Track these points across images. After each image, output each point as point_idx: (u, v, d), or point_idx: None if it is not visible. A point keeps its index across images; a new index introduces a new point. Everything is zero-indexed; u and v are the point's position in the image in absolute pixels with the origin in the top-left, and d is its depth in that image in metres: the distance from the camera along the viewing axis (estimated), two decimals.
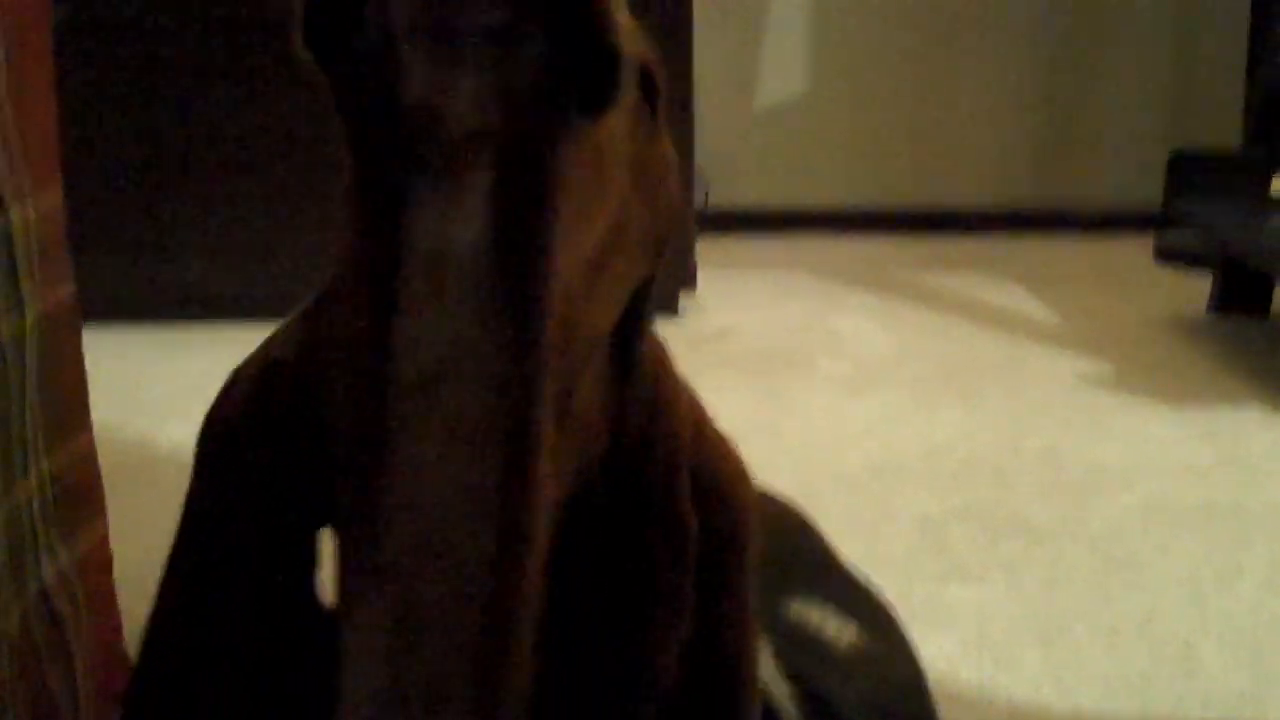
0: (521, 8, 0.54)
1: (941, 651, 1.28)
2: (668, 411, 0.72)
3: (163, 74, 2.30)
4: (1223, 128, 3.07)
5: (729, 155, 3.11)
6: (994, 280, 2.75)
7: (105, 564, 1.11)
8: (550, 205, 0.59)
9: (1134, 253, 2.95)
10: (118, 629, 1.15)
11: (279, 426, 0.72)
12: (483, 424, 0.61)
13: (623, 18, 0.60)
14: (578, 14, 0.55)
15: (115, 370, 2.14)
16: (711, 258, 2.85)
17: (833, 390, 2.12)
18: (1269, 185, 2.54)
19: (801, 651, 0.92)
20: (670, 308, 2.43)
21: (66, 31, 2.22)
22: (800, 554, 1.02)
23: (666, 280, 0.74)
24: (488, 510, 0.61)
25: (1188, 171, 2.85)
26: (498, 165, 0.58)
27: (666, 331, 0.72)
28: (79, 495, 1.08)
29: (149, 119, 2.32)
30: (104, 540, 1.12)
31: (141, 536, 1.52)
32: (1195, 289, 2.59)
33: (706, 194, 3.03)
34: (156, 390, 2.10)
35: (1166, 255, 2.87)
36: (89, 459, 1.10)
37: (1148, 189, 3.11)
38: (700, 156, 3.05)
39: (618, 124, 0.63)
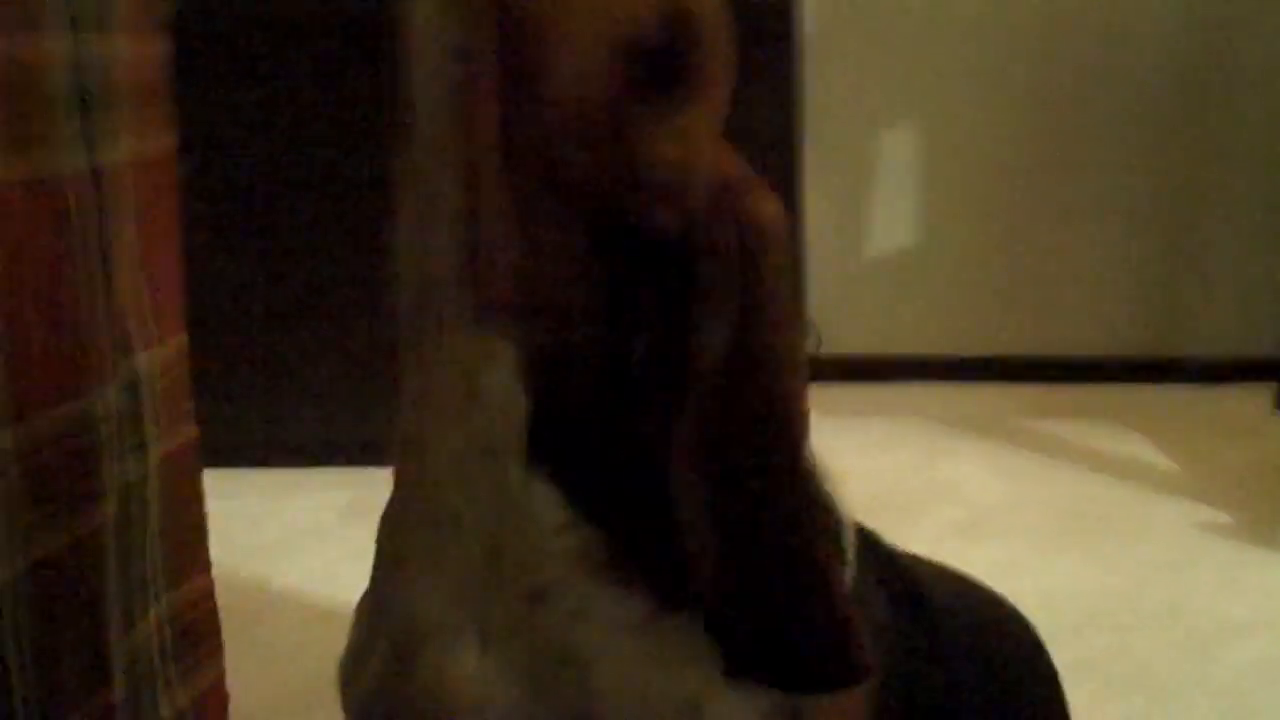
0: None
1: None
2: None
3: (281, 225, 2.37)
4: None
5: (840, 303, 3.12)
6: (1109, 428, 2.71)
7: (222, 704, 1.12)
8: None
9: (1252, 402, 2.89)
10: None
11: None
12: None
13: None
14: None
15: (230, 512, 2.18)
16: (822, 405, 2.84)
17: (946, 537, 2.09)
18: None
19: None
20: None
21: (193, 183, 2.31)
22: None
23: None
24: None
25: None
26: None
27: None
28: (198, 635, 1.10)
29: (267, 268, 2.39)
30: (221, 679, 1.13)
31: (254, 677, 1.54)
32: None
33: (819, 341, 3.04)
34: (270, 533, 2.13)
35: None
36: (208, 598, 1.12)
37: (1266, 336, 3.07)
38: (812, 304, 3.07)
39: None
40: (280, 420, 2.46)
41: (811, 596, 0.80)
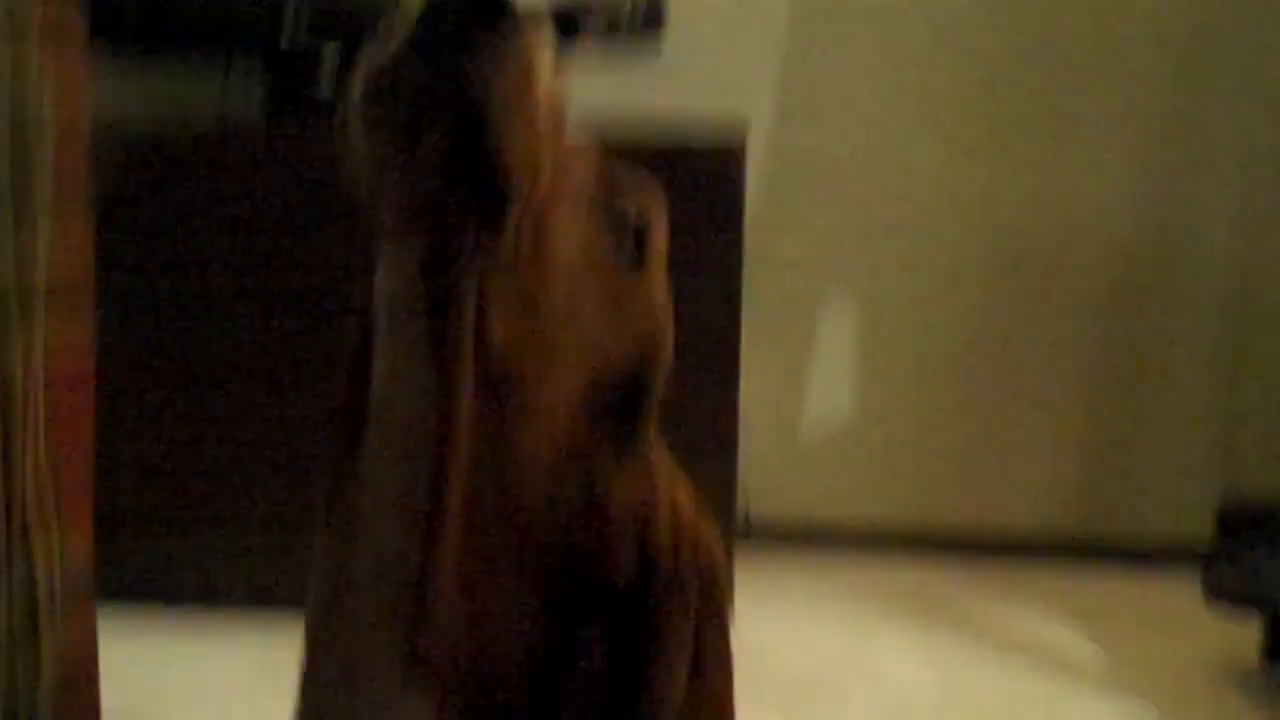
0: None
1: None
2: (654, 492, 0.87)
3: (190, 353, 2.34)
4: (1276, 466, 3.06)
5: (773, 469, 3.11)
6: (1041, 614, 2.69)
7: None
8: (461, 269, 0.81)
9: (1184, 589, 2.89)
10: None
11: None
12: (413, 436, 0.77)
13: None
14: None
15: (132, 654, 2.12)
16: (750, 571, 2.83)
17: None
18: None
19: None
20: None
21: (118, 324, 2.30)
22: None
23: None
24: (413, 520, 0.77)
25: (1236, 514, 2.81)
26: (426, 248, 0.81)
27: None
28: None
29: (186, 394, 2.36)
30: None
31: None
32: (1247, 633, 2.53)
33: (748, 507, 3.02)
34: (168, 683, 2.07)
35: (1215, 594, 2.81)
36: None
37: (1198, 524, 3.08)
38: (743, 470, 3.06)
39: (551, 241, 0.83)
40: (197, 558, 2.41)
41: None
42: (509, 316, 0.79)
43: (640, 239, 0.87)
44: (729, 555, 2.50)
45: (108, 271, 2.16)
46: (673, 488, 0.85)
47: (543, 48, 0.82)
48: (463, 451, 0.77)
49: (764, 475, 3.10)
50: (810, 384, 3.14)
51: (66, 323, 1.08)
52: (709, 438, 2.44)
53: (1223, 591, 2.80)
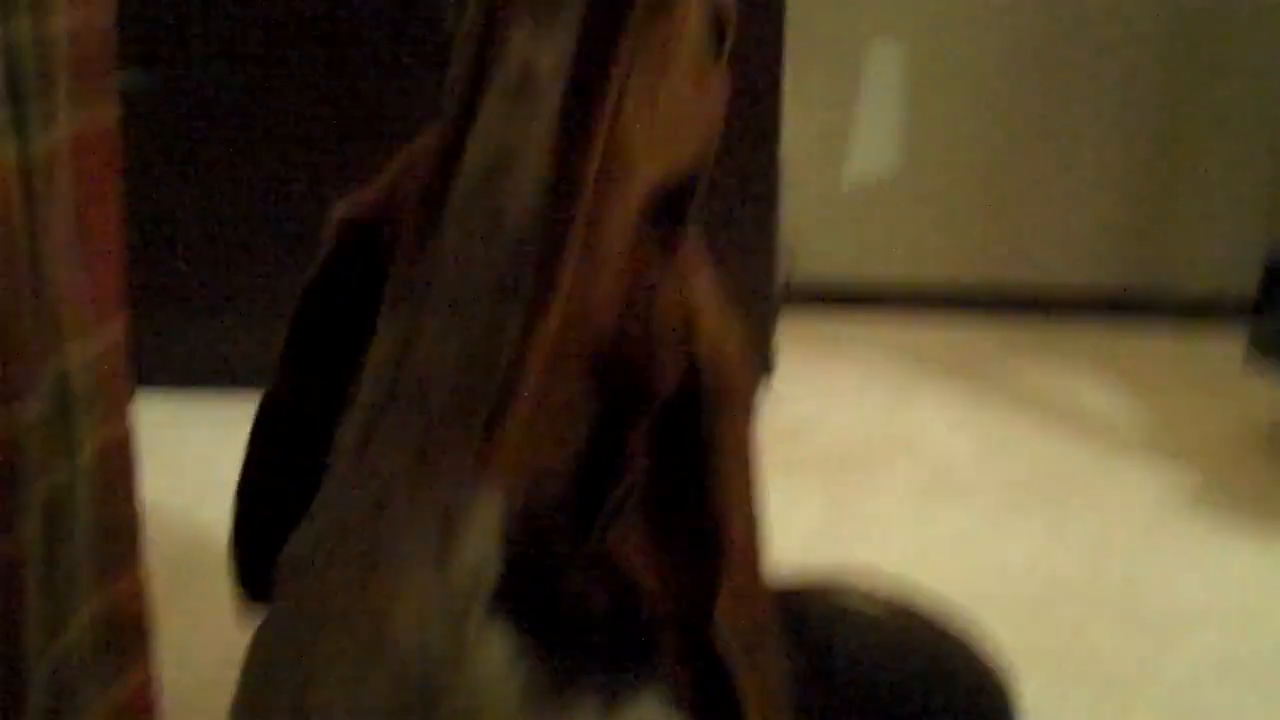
0: None
1: None
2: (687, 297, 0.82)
3: (232, 145, 2.30)
4: None
5: (815, 229, 3.07)
6: (1082, 375, 2.68)
7: (149, 707, 1.09)
8: (623, 49, 0.73)
9: (1229, 346, 2.86)
10: None
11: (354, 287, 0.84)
12: (524, 220, 0.74)
13: None
14: None
15: (184, 442, 2.15)
16: (793, 336, 2.82)
17: (907, 502, 2.07)
18: None
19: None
20: None
21: (146, 104, 2.24)
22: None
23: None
24: (514, 301, 0.74)
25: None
26: (589, 6, 0.73)
27: None
28: (126, 637, 1.07)
29: (213, 186, 2.32)
30: (147, 682, 1.10)
31: (201, 640, 1.52)
32: None
33: (790, 268, 2.99)
34: (224, 470, 2.09)
35: (1261, 350, 2.78)
36: (137, 599, 1.09)
37: (1245, 279, 3.04)
38: (785, 230, 3.02)
39: (687, 28, 0.77)
40: (242, 340, 2.41)
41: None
42: (637, 107, 0.76)
43: (722, 32, 0.82)
44: (774, 320, 2.49)
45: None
46: (711, 287, 0.82)
47: None
48: (577, 240, 0.73)
49: (806, 236, 3.06)
50: (852, 140, 3.07)
51: (89, 103, 1.05)
52: (751, 199, 2.40)
53: (1269, 346, 2.78)
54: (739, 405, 0.80)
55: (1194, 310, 3.08)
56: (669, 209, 0.79)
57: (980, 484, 2.14)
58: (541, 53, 0.74)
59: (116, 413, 1.09)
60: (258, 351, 2.39)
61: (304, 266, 2.34)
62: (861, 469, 2.18)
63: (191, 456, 2.14)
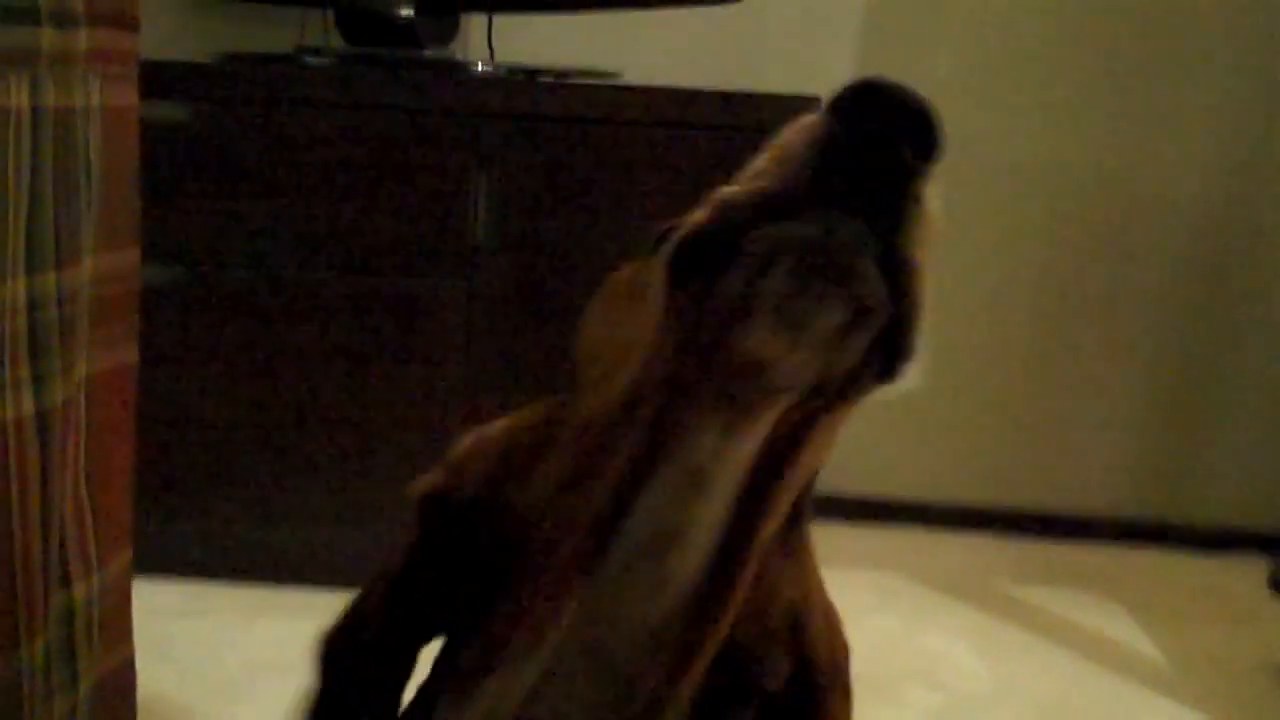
0: (861, 318, 0.71)
1: None
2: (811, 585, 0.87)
3: (272, 335, 2.34)
4: None
5: (838, 446, 3.08)
6: (1100, 603, 2.66)
7: None
8: (812, 445, 0.78)
9: (1249, 578, 2.84)
10: None
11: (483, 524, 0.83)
12: (691, 584, 0.76)
13: None
14: (899, 319, 0.73)
15: (192, 634, 2.14)
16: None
17: None
18: None
19: None
20: None
21: (176, 296, 2.29)
22: None
23: None
24: (667, 650, 0.76)
25: None
26: (788, 410, 0.75)
27: None
28: None
29: (254, 376, 2.36)
30: None
31: None
32: None
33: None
34: (229, 665, 2.09)
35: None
36: None
37: (1264, 509, 3.03)
38: None
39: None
40: (256, 532, 2.42)
41: None
42: (811, 448, 0.80)
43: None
44: None
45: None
46: (820, 583, 0.88)
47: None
48: (743, 595, 0.77)
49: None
50: None
51: (110, 345, 1.08)
52: None
53: None
54: (848, 705, 0.87)
55: (1215, 540, 3.07)
56: (791, 512, 0.83)
57: (997, 715, 2.11)
58: (720, 459, 0.76)
59: (118, 641, 1.10)
60: (259, 545, 2.41)
61: (301, 474, 2.34)
62: (880, 692, 2.15)
63: (190, 646, 2.13)
